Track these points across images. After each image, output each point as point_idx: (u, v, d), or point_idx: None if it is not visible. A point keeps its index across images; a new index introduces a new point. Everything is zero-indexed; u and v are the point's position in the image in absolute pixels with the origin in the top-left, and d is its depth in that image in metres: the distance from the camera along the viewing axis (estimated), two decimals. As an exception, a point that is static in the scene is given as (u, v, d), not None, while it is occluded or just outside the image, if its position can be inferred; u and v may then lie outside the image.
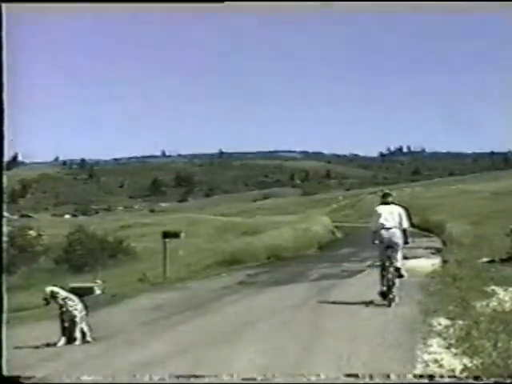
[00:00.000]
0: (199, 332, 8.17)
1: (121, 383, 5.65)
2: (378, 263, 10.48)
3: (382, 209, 10.46)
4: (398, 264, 10.29)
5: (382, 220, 10.27)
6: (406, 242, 10.60)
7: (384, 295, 9.87)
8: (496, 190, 53.06)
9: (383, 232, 10.23)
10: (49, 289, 7.77)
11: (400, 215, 10.46)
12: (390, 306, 9.53)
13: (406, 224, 10.54)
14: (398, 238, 10.37)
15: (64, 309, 7.55)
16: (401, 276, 10.31)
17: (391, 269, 10.07)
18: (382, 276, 10.11)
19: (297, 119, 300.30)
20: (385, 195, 10.74)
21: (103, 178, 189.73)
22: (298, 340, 7.23)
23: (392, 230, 10.29)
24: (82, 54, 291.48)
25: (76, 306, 7.59)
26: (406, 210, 10.85)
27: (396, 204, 10.68)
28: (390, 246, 10.25)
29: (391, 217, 10.37)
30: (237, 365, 6.15)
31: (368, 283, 11.94)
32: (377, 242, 10.29)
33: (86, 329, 7.60)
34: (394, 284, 9.95)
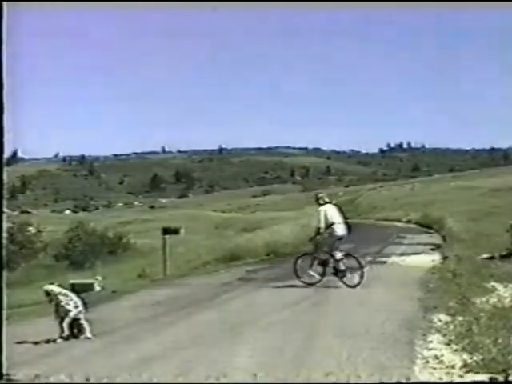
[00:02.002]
0: (199, 328, 8.17)
1: (120, 383, 5.64)
2: (323, 255, 11.90)
3: (325, 208, 11.96)
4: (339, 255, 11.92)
5: (330, 217, 11.87)
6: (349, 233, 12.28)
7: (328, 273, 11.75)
8: (495, 186, 53.07)
9: (335, 227, 11.85)
10: (44, 288, 7.84)
11: (341, 212, 12.25)
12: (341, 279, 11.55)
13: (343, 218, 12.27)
14: (345, 231, 12.07)
15: (58, 304, 7.58)
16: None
17: (337, 256, 11.80)
18: (324, 263, 11.83)
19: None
20: (318, 198, 12.16)
21: (103, 174, 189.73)
22: (298, 337, 7.23)
23: (341, 225, 12.01)
24: (82, 50, 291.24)
25: (69, 301, 7.59)
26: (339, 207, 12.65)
27: (330, 203, 12.23)
28: (340, 238, 11.99)
29: (336, 214, 12.06)
30: (237, 362, 6.15)
31: (368, 279, 11.92)
32: (326, 235, 11.82)
33: (85, 324, 7.60)
34: (338, 267, 11.73)
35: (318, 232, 11.88)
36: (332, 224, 11.87)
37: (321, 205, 12.00)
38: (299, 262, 12.17)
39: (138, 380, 5.68)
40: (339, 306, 9.54)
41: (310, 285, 11.71)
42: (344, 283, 11.58)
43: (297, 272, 12.07)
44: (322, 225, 11.83)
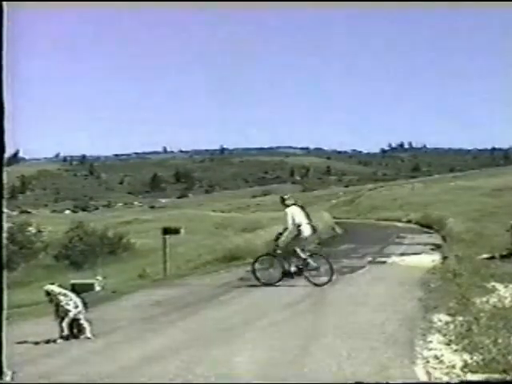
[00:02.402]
0: (199, 328, 8.17)
1: (121, 383, 5.64)
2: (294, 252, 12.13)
3: (292, 210, 12.30)
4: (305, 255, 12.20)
5: (298, 219, 12.19)
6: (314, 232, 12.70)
7: (291, 274, 12.04)
8: (496, 186, 53.05)
9: (302, 228, 12.15)
10: (45, 288, 7.85)
11: (306, 213, 12.51)
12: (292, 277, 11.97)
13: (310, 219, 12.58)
14: (311, 231, 12.37)
15: (58, 304, 7.58)
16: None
17: (303, 256, 12.06)
18: (289, 261, 12.13)
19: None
20: (284, 200, 12.53)
21: (103, 174, 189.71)
22: (299, 337, 7.23)
23: (308, 226, 12.29)
24: (82, 49, 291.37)
25: (69, 300, 7.59)
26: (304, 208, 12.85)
27: (296, 204, 12.55)
28: (306, 239, 12.29)
29: (302, 215, 12.35)
30: (237, 362, 6.15)
31: (369, 279, 11.92)
32: (293, 236, 12.14)
33: (85, 324, 7.60)
34: (303, 266, 12.05)
35: (288, 233, 12.21)
36: (299, 225, 12.18)
37: (287, 206, 12.36)
38: (257, 264, 12.57)
39: (138, 380, 5.68)
40: (339, 305, 9.54)
41: (270, 285, 11.94)
42: (311, 282, 11.83)
43: (255, 273, 12.39)
44: (290, 226, 12.15)
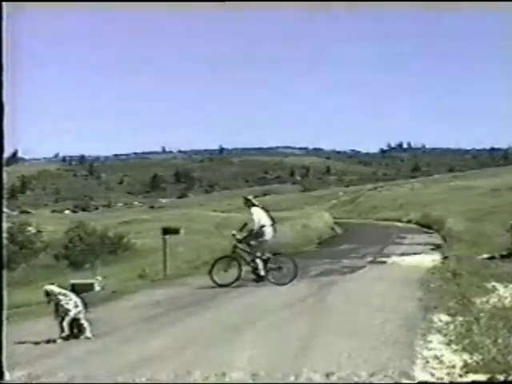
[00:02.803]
0: (199, 329, 8.16)
1: (120, 383, 5.64)
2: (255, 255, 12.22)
3: (255, 210, 12.36)
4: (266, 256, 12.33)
5: (262, 220, 12.26)
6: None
7: (260, 277, 12.08)
8: (496, 186, 53.02)
9: (265, 229, 12.23)
10: (44, 288, 7.85)
11: (269, 214, 12.55)
12: (261, 280, 12.02)
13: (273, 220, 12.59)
14: (273, 233, 12.45)
15: (58, 304, 7.58)
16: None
17: (264, 257, 12.18)
18: (255, 263, 12.17)
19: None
20: (247, 201, 12.67)
21: (103, 174, 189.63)
22: (298, 336, 7.23)
23: (270, 228, 12.38)
24: (80, 49, 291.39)
25: (69, 300, 7.59)
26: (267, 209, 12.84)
27: (258, 206, 12.59)
28: (268, 240, 12.36)
29: (265, 216, 12.41)
30: (237, 362, 6.14)
31: (369, 279, 11.93)
32: (260, 239, 12.20)
33: (85, 324, 7.60)
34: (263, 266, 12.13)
35: (250, 234, 12.27)
36: (263, 226, 12.28)
37: (249, 207, 12.46)
38: (216, 266, 12.56)
39: (137, 380, 5.68)
40: (339, 305, 9.53)
41: (224, 286, 11.99)
42: (272, 282, 11.98)
43: (212, 274, 12.39)
44: (256, 227, 12.22)
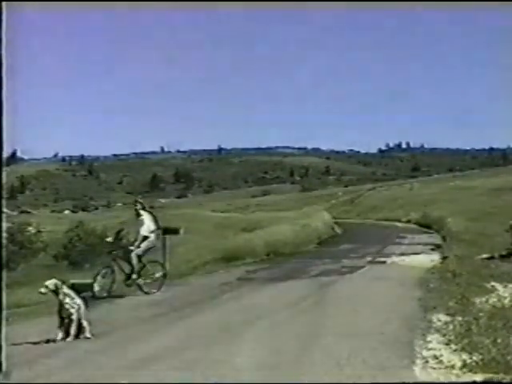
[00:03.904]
0: (199, 329, 8.17)
1: (120, 383, 5.64)
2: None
3: (145, 215, 11.80)
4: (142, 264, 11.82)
5: (152, 225, 11.75)
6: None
7: (132, 284, 11.57)
8: (495, 186, 53.02)
9: (152, 235, 11.74)
10: (53, 281, 7.79)
11: (155, 219, 12.02)
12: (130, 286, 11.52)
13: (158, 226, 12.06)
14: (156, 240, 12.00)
15: (62, 305, 7.57)
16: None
17: (141, 263, 11.69)
18: (138, 268, 11.60)
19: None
20: (137, 203, 12.06)
21: (102, 174, 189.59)
22: (298, 337, 7.23)
23: (155, 233, 11.90)
24: (79, 49, 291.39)
25: (73, 304, 7.58)
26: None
27: (146, 210, 12.13)
28: (154, 246, 11.94)
29: (152, 221, 11.87)
30: (237, 362, 6.15)
31: (369, 279, 11.93)
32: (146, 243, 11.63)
33: (85, 324, 7.60)
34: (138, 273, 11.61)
35: (143, 240, 11.60)
36: (152, 231, 11.81)
37: (140, 211, 11.82)
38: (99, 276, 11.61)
39: (137, 380, 5.68)
40: (339, 306, 9.54)
41: (110, 297, 11.29)
42: (142, 290, 11.56)
43: (94, 286, 11.41)
44: (146, 233, 11.65)
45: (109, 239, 12.20)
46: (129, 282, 11.69)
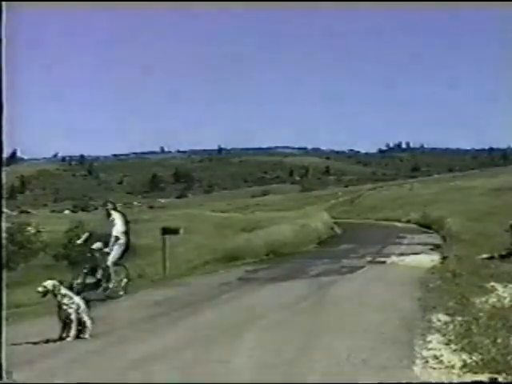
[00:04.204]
0: (199, 329, 8.17)
1: (120, 383, 5.64)
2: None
3: (116, 216, 11.43)
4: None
5: (123, 227, 11.35)
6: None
7: (99, 287, 11.03)
8: (495, 186, 53.05)
9: (123, 236, 11.36)
10: (51, 282, 7.78)
11: (126, 220, 11.65)
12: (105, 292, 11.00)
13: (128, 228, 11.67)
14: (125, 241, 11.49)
15: (60, 305, 7.57)
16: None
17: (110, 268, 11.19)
18: (107, 271, 11.19)
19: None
20: (107, 203, 11.76)
21: (102, 174, 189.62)
22: (298, 337, 7.23)
23: (125, 236, 11.46)
24: (79, 49, 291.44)
25: (71, 304, 7.58)
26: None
27: (118, 210, 11.77)
28: (127, 248, 11.65)
29: (124, 223, 11.50)
30: (237, 362, 6.15)
31: (369, 279, 11.93)
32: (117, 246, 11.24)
33: (87, 324, 7.59)
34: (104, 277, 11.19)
35: (115, 241, 11.23)
36: (126, 233, 11.45)
37: (109, 210, 11.49)
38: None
39: (137, 380, 5.68)
40: (338, 305, 9.54)
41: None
42: (106, 295, 11.15)
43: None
44: (119, 233, 11.28)
45: (79, 241, 11.77)
46: (105, 286, 11.20)
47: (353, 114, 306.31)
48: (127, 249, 11.77)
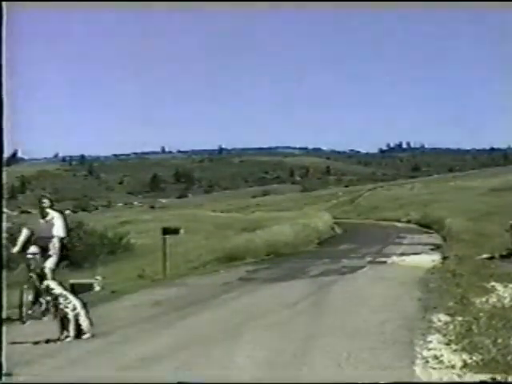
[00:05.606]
0: (199, 328, 8.17)
1: (120, 383, 5.64)
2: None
3: (54, 214, 9.71)
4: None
5: (63, 229, 9.64)
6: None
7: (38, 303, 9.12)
8: (495, 186, 53.06)
9: (64, 241, 9.76)
10: (46, 283, 7.78)
11: (66, 222, 9.99)
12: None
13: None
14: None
15: (57, 305, 7.57)
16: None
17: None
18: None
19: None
20: (43, 198, 9.76)
21: (103, 174, 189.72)
22: (298, 337, 7.23)
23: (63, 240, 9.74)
24: (79, 48, 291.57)
25: (67, 304, 7.57)
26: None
27: (56, 209, 9.84)
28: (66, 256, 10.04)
29: (63, 224, 9.78)
30: (237, 362, 6.14)
31: (369, 279, 11.92)
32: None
33: (84, 324, 7.59)
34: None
35: (62, 245, 9.54)
36: (63, 238, 9.68)
37: (44, 209, 9.57)
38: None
39: (137, 380, 5.68)
40: (338, 306, 9.54)
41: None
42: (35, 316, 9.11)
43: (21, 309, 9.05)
44: (62, 233, 9.54)
45: (15, 250, 9.91)
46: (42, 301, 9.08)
47: (353, 114, 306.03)
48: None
